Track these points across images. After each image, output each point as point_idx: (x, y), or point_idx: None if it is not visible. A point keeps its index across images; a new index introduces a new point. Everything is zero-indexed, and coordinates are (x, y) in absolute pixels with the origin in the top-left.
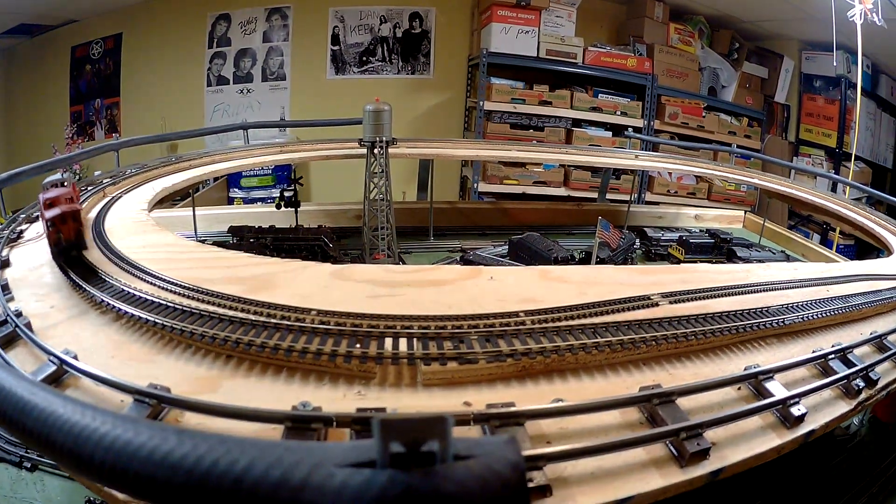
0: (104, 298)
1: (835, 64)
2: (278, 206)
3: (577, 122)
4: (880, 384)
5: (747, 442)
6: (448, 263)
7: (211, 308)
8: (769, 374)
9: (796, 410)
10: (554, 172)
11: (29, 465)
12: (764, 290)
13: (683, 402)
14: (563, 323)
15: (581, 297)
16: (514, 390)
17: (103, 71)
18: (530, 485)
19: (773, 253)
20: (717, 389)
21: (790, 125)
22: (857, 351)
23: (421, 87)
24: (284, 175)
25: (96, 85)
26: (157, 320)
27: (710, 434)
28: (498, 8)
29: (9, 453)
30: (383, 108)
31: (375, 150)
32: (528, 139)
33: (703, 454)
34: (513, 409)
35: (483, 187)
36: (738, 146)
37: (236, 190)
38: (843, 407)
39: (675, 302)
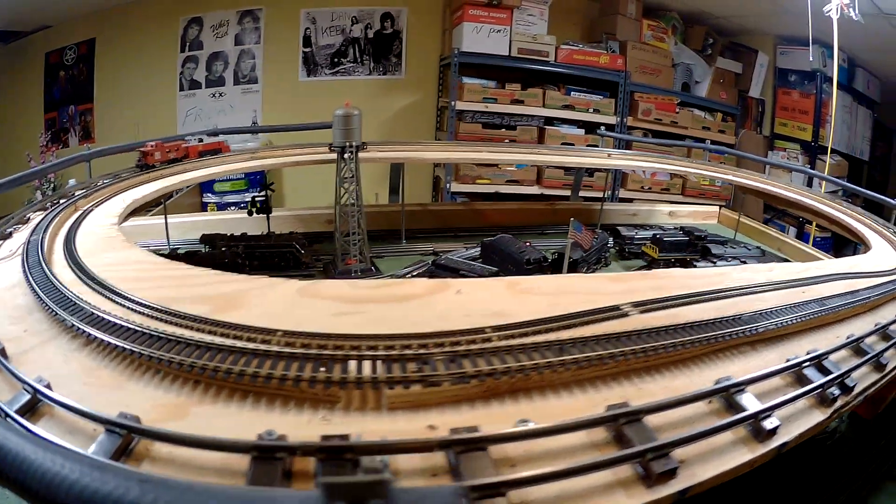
0: (74, 323)
1: (810, 59)
2: (250, 213)
3: (550, 121)
4: (857, 390)
5: (718, 457)
6: (420, 267)
7: (178, 331)
8: (740, 387)
9: (769, 423)
10: (527, 171)
11: None
12: (738, 295)
13: (652, 419)
14: (530, 339)
15: (551, 308)
16: (479, 411)
17: (77, 77)
18: None
19: (749, 249)
20: (688, 405)
21: (765, 119)
22: (833, 356)
23: (393, 87)
24: (257, 179)
25: (70, 91)
26: (125, 346)
27: (680, 451)
28: (470, 7)
29: None
30: (353, 113)
31: (346, 156)
32: (501, 138)
33: (670, 473)
34: (476, 434)
35: (456, 187)
36: (713, 141)
37: (209, 195)
38: (818, 416)
39: (646, 311)
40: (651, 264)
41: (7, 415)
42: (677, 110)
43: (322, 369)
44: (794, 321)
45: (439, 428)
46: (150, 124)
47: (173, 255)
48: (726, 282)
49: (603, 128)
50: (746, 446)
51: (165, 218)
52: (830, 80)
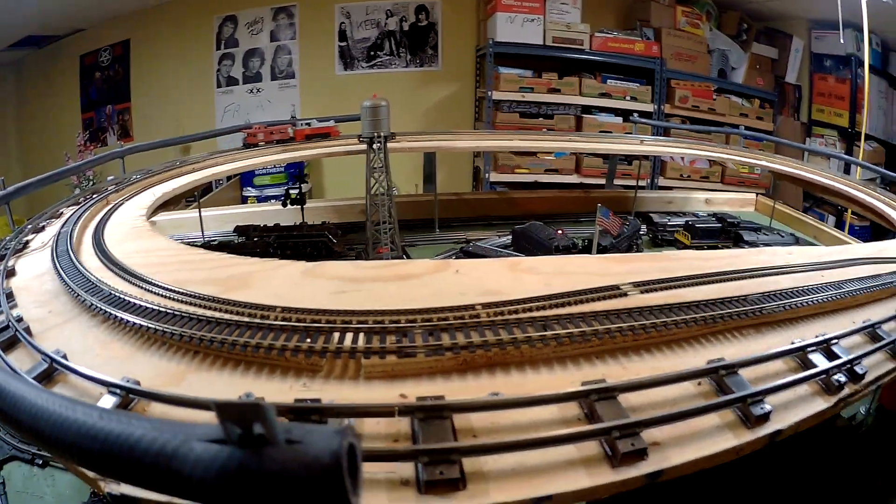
0: (94, 302)
1: (842, 41)
2: (284, 205)
3: (587, 109)
4: (868, 378)
5: (698, 441)
6: (451, 255)
7: (186, 308)
8: (732, 368)
9: (759, 409)
10: (565, 160)
11: (40, 462)
12: (750, 277)
13: (631, 398)
14: (518, 315)
15: (547, 288)
16: (453, 384)
17: (113, 77)
18: (440, 477)
19: (783, 236)
20: (673, 385)
21: (802, 106)
22: (844, 342)
23: (430, 79)
24: (296, 172)
25: (106, 91)
26: (136, 321)
27: (657, 432)
28: None
29: (21, 451)
30: (380, 104)
31: (374, 146)
32: (538, 127)
33: (639, 454)
34: (437, 402)
35: (495, 177)
36: (751, 128)
37: (250, 189)
38: (820, 404)
39: (647, 291)
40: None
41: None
42: (714, 97)
43: (307, 340)
44: (805, 304)
45: (409, 397)
46: (188, 121)
47: (206, 246)
48: (740, 264)
49: (636, 114)
50: (732, 432)
51: (199, 210)
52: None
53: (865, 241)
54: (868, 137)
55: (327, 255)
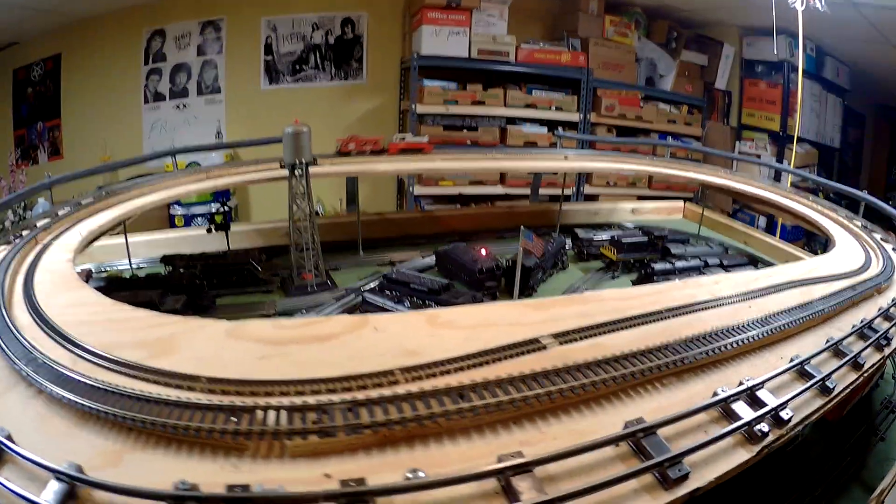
0: (29, 373)
1: (775, 52)
2: (209, 231)
3: (512, 120)
4: (794, 420)
5: None
6: (374, 278)
7: (118, 379)
8: (650, 430)
9: (676, 471)
10: (490, 171)
11: None
12: (674, 316)
13: (549, 468)
14: (438, 380)
15: (467, 344)
16: (374, 460)
17: (44, 93)
18: None
19: (711, 246)
20: (590, 452)
21: (732, 111)
22: (771, 383)
23: (355, 92)
24: (223, 191)
25: (38, 107)
26: (71, 398)
27: (581, 502)
28: (428, 10)
29: None
30: (302, 130)
31: (297, 172)
32: (462, 140)
33: None
34: (360, 487)
35: (419, 190)
36: (678, 134)
37: (177, 207)
38: (742, 456)
39: (567, 342)
40: (610, 266)
41: None
42: (642, 105)
43: (233, 419)
44: (730, 347)
45: (333, 476)
46: (115, 138)
47: (132, 278)
48: (664, 301)
49: (561, 129)
50: (650, 494)
51: (126, 240)
52: (798, 69)
53: (798, 240)
54: (801, 139)
55: (252, 283)
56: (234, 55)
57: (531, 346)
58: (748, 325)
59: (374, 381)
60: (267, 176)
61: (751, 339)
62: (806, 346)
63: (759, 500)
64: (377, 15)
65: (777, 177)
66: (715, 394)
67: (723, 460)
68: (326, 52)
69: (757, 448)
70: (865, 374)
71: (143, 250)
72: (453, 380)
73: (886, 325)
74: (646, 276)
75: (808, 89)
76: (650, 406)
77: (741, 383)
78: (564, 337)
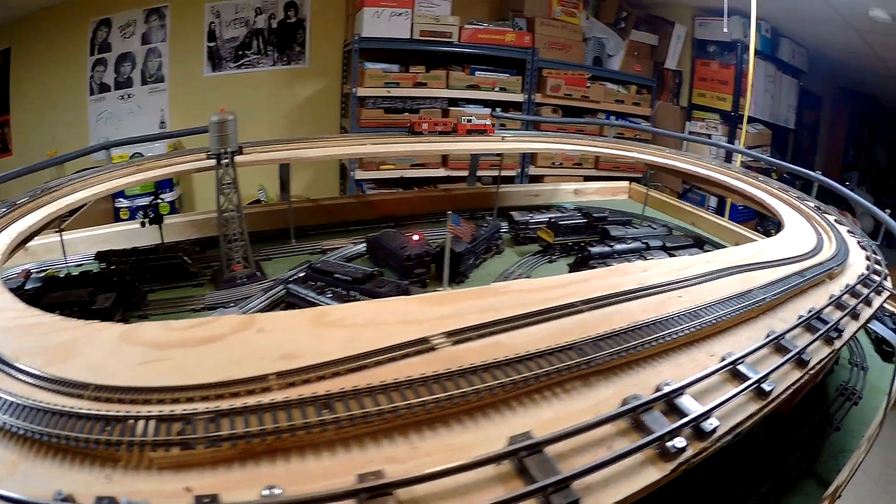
0: None
1: (725, 30)
2: (143, 224)
3: (455, 102)
4: (719, 432)
5: None
6: (304, 268)
7: (17, 387)
8: (536, 448)
9: (561, 498)
10: (422, 154)
11: None
12: (591, 309)
13: (417, 491)
14: (312, 387)
15: (350, 345)
16: (234, 474)
17: None
18: None
19: (654, 227)
20: (465, 472)
21: (682, 91)
22: (694, 389)
23: (297, 77)
24: (168, 180)
25: None
26: None
27: None
28: None
29: None
30: (227, 118)
31: (223, 162)
32: (403, 123)
33: None
34: None
35: (360, 174)
36: (627, 114)
37: (122, 199)
38: (651, 475)
39: (462, 341)
40: (547, 249)
41: None
42: (588, 85)
43: (107, 429)
44: (652, 344)
45: (193, 491)
46: (63, 132)
47: (67, 276)
48: (582, 292)
49: (499, 109)
50: None
51: (62, 239)
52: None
53: (750, 221)
54: (755, 120)
55: (183, 277)
56: (177, 43)
57: (419, 346)
58: (675, 318)
59: (247, 388)
60: (195, 166)
61: (676, 335)
62: (743, 341)
63: (698, 498)
64: None
65: (729, 157)
66: (624, 402)
67: (627, 481)
68: (269, 37)
69: (671, 466)
70: (812, 372)
71: (85, 246)
72: (327, 386)
73: (839, 314)
74: (582, 260)
75: (762, 70)
76: (546, 416)
77: (658, 388)
78: (459, 336)
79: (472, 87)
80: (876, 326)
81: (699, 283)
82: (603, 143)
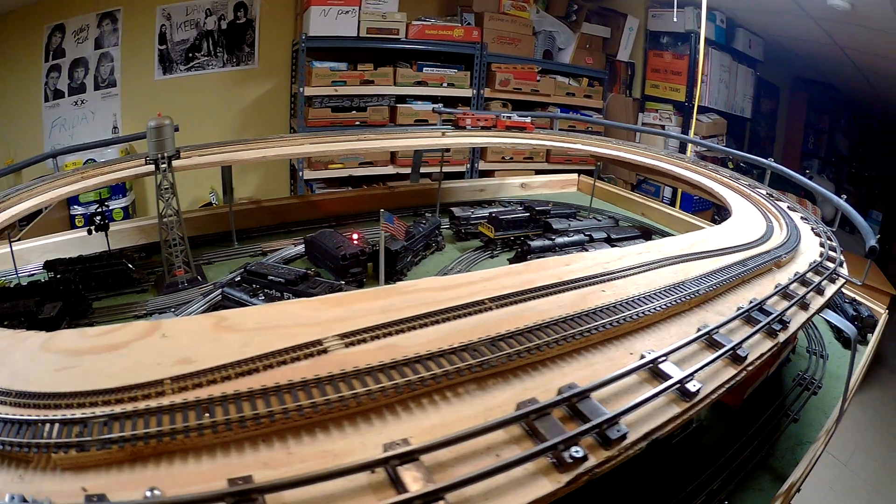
0: None
1: (675, 19)
2: (89, 233)
3: (402, 98)
4: (630, 439)
5: None
6: (238, 274)
7: None
8: (411, 456)
9: (454, 497)
10: (380, 152)
11: None
12: (497, 308)
13: (286, 497)
14: (207, 389)
15: (243, 349)
16: (124, 475)
17: None
18: None
19: (599, 220)
20: (337, 479)
21: (635, 82)
22: (606, 390)
23: (247, 77)
24: (120, 186)
25: None
26: None
27: None
28: None
29: None
30: (164, 123)
31: (161, 167)
32: (351, 121)
33: None
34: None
35: (309, 174)
36: (578, 107)
37: (77, 207)
38: (545, 487)
39: (355, 343)
40: (489, 244)
41: None
42: (538, 78)
43: (20, 432)
44: (558, 343)
45: (88, 490)
46: (19, 140)
47: (17, 290)
48: (491, 289)
49: (441, 105)
50: None
51: (11, 249)
52: (706, 40)
53: (706, 210)
54: (709, 110)
55: (128, 284)
56: (129, 47)
57: (310, 349)
58: (592, 314)
59: (144, 393)
60: (135, 172)
61: (590, 333)
62: (670, 337)
63: (646, 497)
64: None
65: (683, 148)
66: (518, 406)
67: (513, 493)
68: (219, 39)
69: (567, 477)
70: (749, 368)
71: (37, 256)
72: (220, 390)
73: (785, 304)
74: (522, 254)
75: (717, 60)
76: (431, 422)
77: (560, 392)
78: (353, 337)
79: (419, 83)
80: (830, 316)
81: (626, 276)
82: (550, 137)
